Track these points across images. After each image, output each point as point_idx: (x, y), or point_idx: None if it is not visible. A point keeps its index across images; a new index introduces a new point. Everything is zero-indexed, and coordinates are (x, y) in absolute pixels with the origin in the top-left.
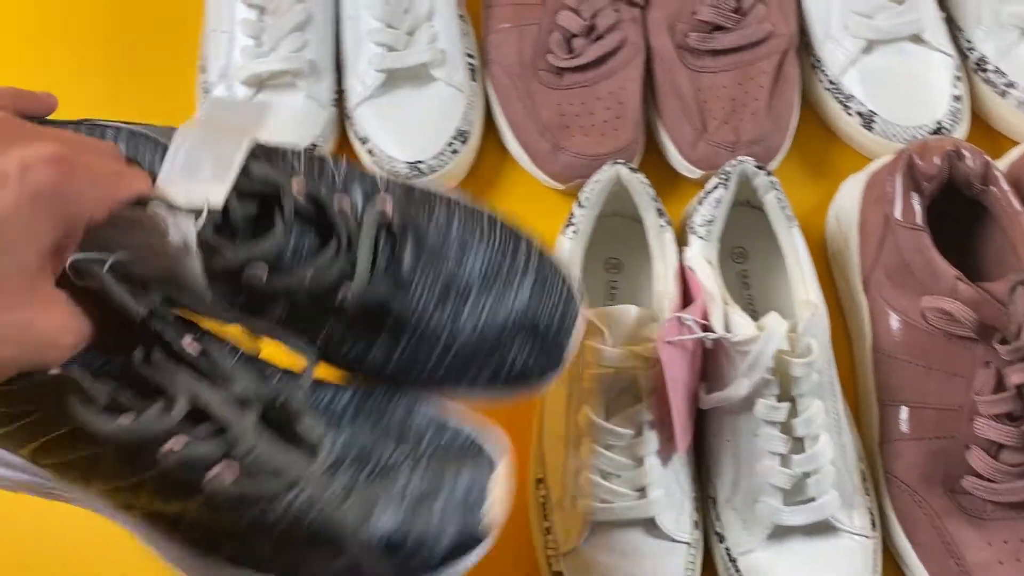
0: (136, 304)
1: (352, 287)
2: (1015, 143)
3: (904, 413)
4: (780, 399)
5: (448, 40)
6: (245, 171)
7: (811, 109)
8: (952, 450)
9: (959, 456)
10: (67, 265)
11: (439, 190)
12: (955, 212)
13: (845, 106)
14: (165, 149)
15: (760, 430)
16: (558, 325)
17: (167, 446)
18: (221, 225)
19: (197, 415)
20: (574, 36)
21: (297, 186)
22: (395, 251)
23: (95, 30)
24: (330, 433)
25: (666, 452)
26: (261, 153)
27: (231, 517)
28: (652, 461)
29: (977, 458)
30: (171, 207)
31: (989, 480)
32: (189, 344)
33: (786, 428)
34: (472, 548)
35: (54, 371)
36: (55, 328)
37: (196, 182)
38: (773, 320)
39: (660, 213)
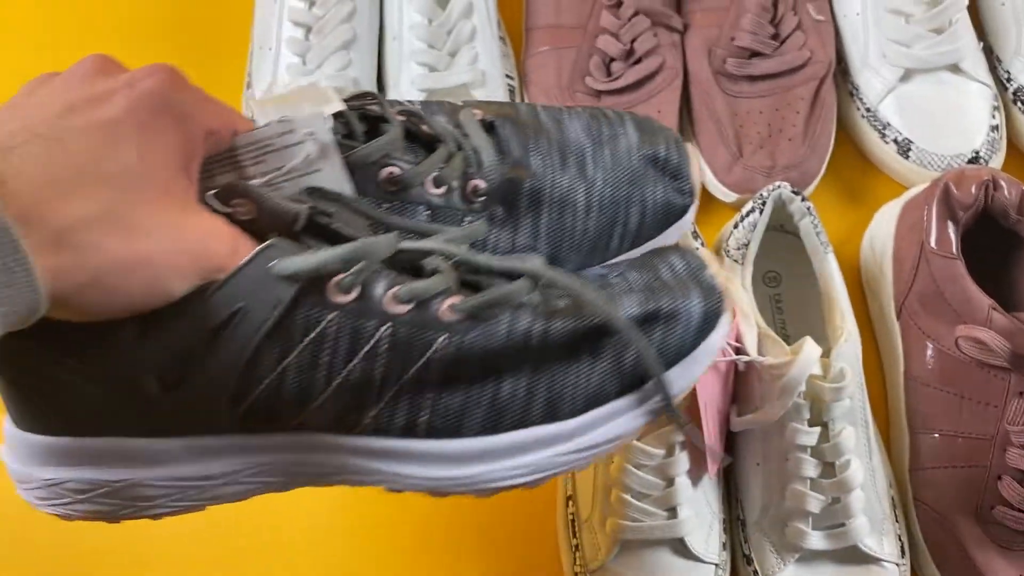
0: (293, 207)
1: (484, 170)
2: None
3: (935, 441)
4: (811, 424)
5: (488, 61)
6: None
7: (848, 136)
8: (983, 479)
9: (991, 485)
10: (209, 196)
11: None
12: (991, 241)
13: (882, 134)
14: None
15: (791, 454)
16: (674, 151)
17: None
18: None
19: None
20: (613, 60)
21: (393, 111)
22: (500, 140)
23: (143, 44)
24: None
25: (696, 473)
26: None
27: (481, 347)
28: (682, 481)
29: (1009, 488)
30: (291, 121)
31: (1021, 511)
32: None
33: (817, 453)
34: (717, 320)
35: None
36: (216, 231)
37: (302, 111)
38: (807, 345)
39: (695, 235)
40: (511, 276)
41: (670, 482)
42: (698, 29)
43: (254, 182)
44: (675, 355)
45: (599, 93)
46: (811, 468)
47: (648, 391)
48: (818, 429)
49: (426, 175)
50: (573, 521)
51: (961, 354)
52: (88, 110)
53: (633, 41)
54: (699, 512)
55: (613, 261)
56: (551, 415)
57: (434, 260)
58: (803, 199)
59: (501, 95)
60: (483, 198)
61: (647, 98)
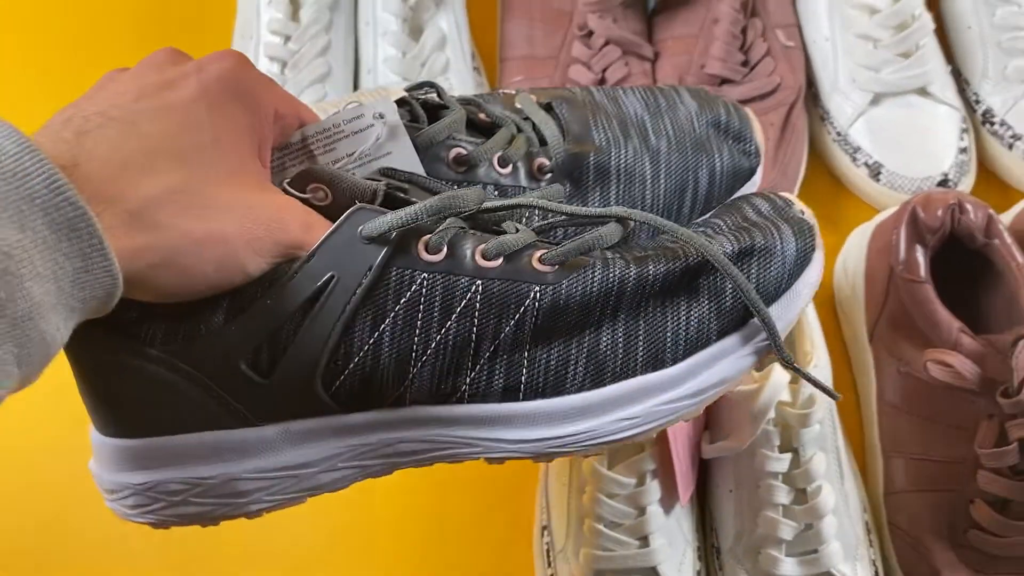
0: (371, 184)
1: (548, 148)
2: (1023, 194)
3: (908, 465)
4: (782, 450)
5: (462, 93)
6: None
7: (820, 160)
8: (957, 503)
9: (963, 509)
10: (285, 184)
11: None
12: (960, 264)
13: (853, 157)
14: None
15: (762, 481)
16: (734, 115)
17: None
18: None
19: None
20: None
21: (449, 97)
22: (559, 118)
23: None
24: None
25: (668, 501)
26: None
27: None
28: (654, 510)
29: (982, 511)
30: (360, 106)
31: (995, 534)
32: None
33: (788, 479)
34: (812, 254)
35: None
36: (291, 207)
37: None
38: (775, 372)
39: None
40: (599, 222)
41: (642, 511)
42: (669, 57)
43: (345, 160)
44: (774, 291)
45: None
46: (783, 495)
47: (751, 330)
48: (789, 455)
49: (492, 153)
50: (548, 551)
51: (931, 378)
52: (161, 93)
53: (604, 70)
54: (672, 540)
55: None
56: (654, 363)
57: (514, 225)
58: None
59: None
60: (549, 175)
61: None
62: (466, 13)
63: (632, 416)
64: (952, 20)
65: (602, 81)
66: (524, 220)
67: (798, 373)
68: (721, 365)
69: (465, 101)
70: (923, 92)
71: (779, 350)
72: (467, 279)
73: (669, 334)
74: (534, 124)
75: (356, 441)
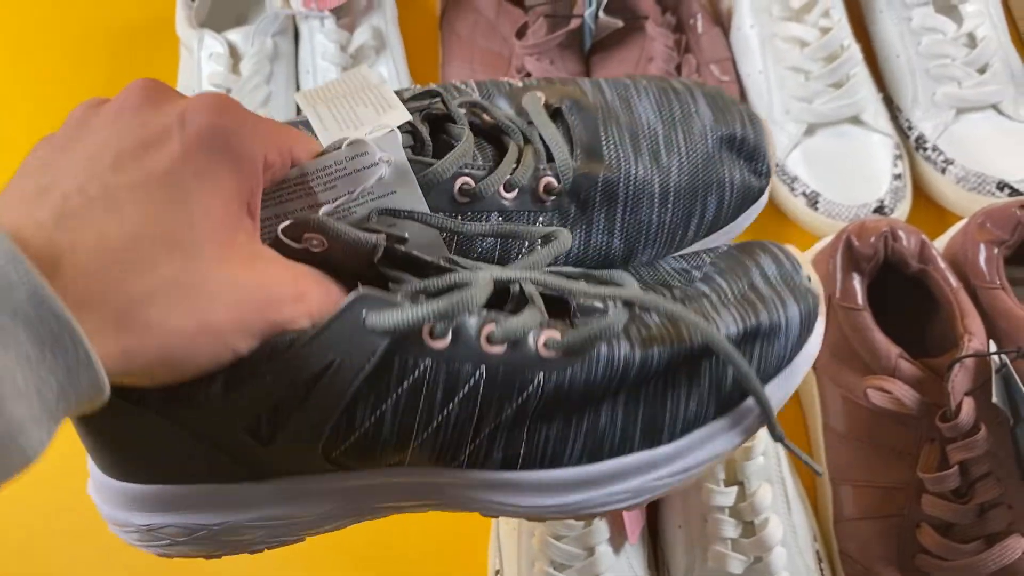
0: (371, 238)
1: (557, 167)
2: (959, 217)
3: (854, 492)
4: (727, 484)
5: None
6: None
7: None
8: (904, 528)
9: (910, 534)
10: (279, 230)
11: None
12: (898, 289)
13: (791, 187)
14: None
15: (710, 515)
16: (750, 129)
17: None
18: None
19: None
20: None
21: (454, 104)
22: (568, 127)
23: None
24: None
25: (618, 540)
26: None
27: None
28: (604, 550)
29: (928, 535)
30: (364, 144)
31: (941, 558)
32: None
33: (735, 512)
34: (814, 326)
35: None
36: (281, 279)
37: (364, 123)
38: None
39: None
40: (604, 298)
41: (591, 551)
42: None
43: (325, 208)
44: (774, 369)
45: None
46: (730, 528)
47: (746, 409)
48: (735, 489)
49: (499, 183)
50: None
51: (872, 404)
52: (141, 159)
53: None
54: None
55: (690, 249)
56: (650, 440)
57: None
58: None
59: None
60: (555, 197)
61: None
62: (406, 59)
63: (625, 490)
64: (881, 49)
65: None
66: (527, 247)
67: (788, 448)
68: (715, 442)
69: (470, 104)
70: (856, 121)
71: (772, 428)
72: (470, 365)
73: (668, 414)
74: (542, 136)
75: (354, 496)
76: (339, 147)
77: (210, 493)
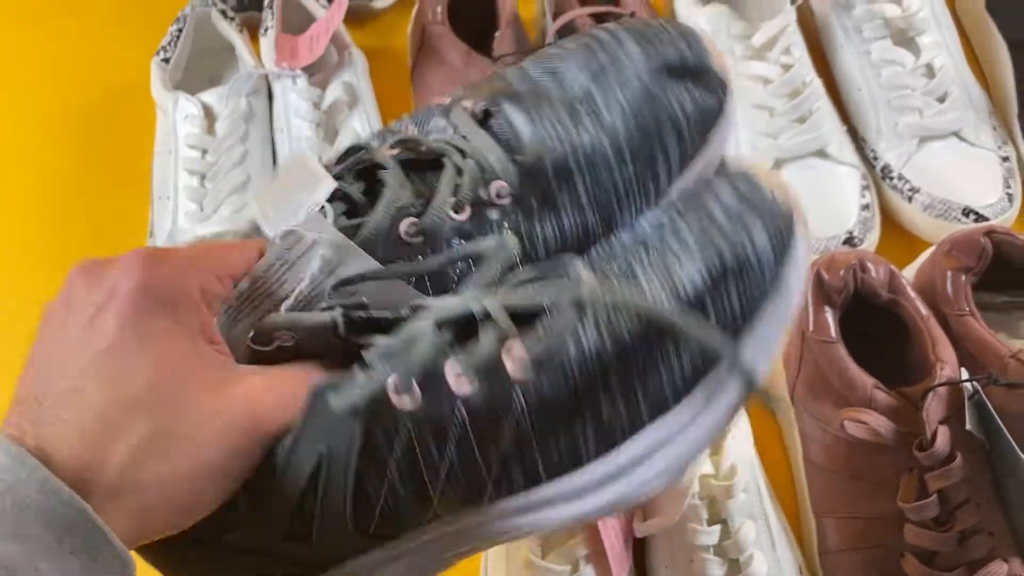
0: (325, 317)
1: (498, 172)
2: (929, 244)
3: (837, 524)
4: (710, 522)
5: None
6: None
7: None
8: (887, 559)
9: (895, 564)
10: (249, 342)
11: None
12: (871, 319)
13: None
14: None
15: (695, 555)
16: (686, 48)
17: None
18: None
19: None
20: None
21: (385, 149)
22: (502, 128)
23: (53, 204)
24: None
25: None
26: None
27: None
28: None
29: (911, 565)
30: (294, 232)
31: None
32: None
33: (719, 551)
34: (791, 236)
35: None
36: (254, 393)
37: (299, 202)
38: None
39: None
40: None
41: None
42: None
43: (285, 304)
44: (759, 299)
45: None
46: (716, 567)
47: (741, 356)
48: (718, 527)
49: (444, 209)
50: None
51: (849, 436)
52: (88, 344)
53: None
54: None
55: (668, 197)
56: (658, 409)
57: (477, 303)
58: None
59: None
60: (509, 198)
61: None
62: (378, 112)
63: (656, 471)
64: (843, 82)
65: None
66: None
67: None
68: (727, 393)
69: (402, 142)
70: (822, 154)
71: (741, 369)
72: (449, 409)
73: (664, 378)
74: (476, 144)
75: (406, 560)
76: (275, 243)
77: None
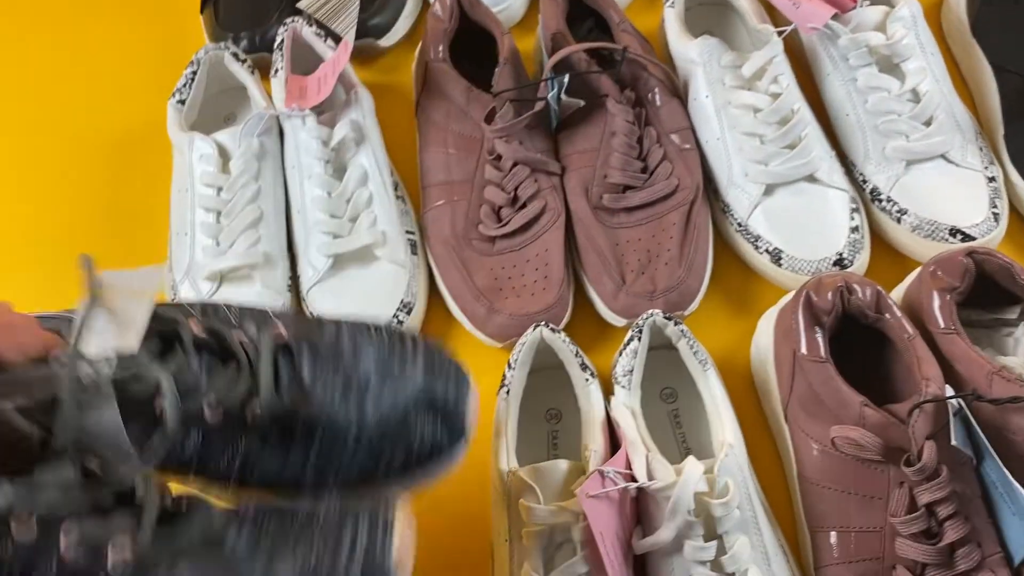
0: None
1: (260, 399)
2: (918, 264)
3: (831, 538)
4: (706, 539)
5: (387, 222)
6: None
7: (728, 248)
8: (880, 571)
9: None
10: None
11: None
12: (858, 339)
13: (755, 245)
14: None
15: (692, 571)
16: (454, 396)
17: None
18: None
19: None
20: (501, 207)
21: (195, 325)
22: (294, 364)
23: (77, 227)
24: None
25: None
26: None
27: None
28: None
29: None
30: (83, 358)
31: None
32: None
33: (716, 566)
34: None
35: None
36: None
37: (104, 336)
38: (689, 465)
39: (584, 367)
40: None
41: None
42: (575, 171)
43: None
44: None
45: (492, 239)
46: None
47: None
48: (714, 543)
49: (204, 398)
50: None
51: (841, 452)
52: None
53: (516, 188)
54: None
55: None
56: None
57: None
58: (676, 323)
59: (402, 252)
60: (259, 424)
61: (535, 239)
62: (384, 148)
63: None
64: (831, 108)
65: (515, 199)
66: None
67: None
68: None
69: (211, 331)
70: (812, 179)
71: None
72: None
73: None
74: (259, 367)
75: None
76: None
77: None
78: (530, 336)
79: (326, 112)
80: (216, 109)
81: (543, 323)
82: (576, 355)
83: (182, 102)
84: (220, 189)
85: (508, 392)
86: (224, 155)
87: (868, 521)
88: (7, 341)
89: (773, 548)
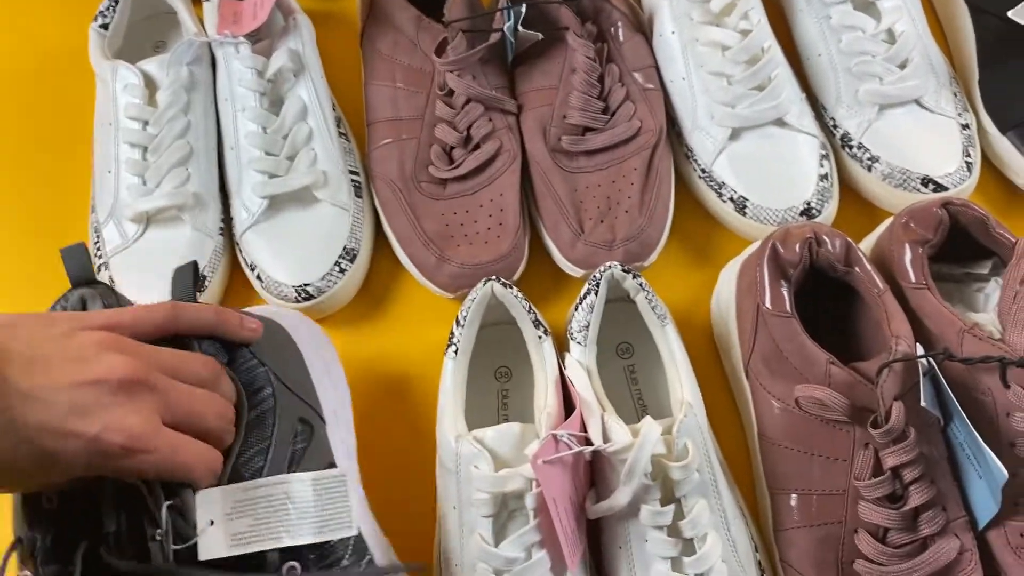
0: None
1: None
2: (889, 214)
3: (792, 500)
4: (664, 502)
5: (328, 161)
6: None
7: (691, 196)
8: (841, 535)
9: (848, 541)
10: None
11: None
12: (826, 293)
13: (719, 193)
14: None
15: (649, 535)
16: None
17: None
18: None
19: None
20: (452, 148)
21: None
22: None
23: None
24: None
25: (559, 568)
26: None
27: None
28: None
29: (865, 542)
30: None
31: (878, 563)
32: None
33: (673, 531)
34: None
35: None
36: None
37: None
38: (646, 426)
39: (537, 324)
40: None
41: None
42: (531, 110)
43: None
44: None
45: (443, 181)
46: (670, 547)
47: None
48: (672, 507)
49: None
50: None
51: (804, 412)
52: None
53: (469, 128)
54: None
55: None
56: None
57: None
58: (634, 276)
59: (345, 193)
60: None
61: (489, 182)
62: (325, 81)
63: None
64: (803, 48)
65: (468, 139)
66: None
67: None
68: None
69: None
70: (780, 123)
71: None
72: None
73: None
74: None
75: None
76: None
77: None
78: (480, 291)
79: (262, 40)
80: (144, 36)
81: (494, 277)
82: (529, 311)
83: (105, 27)
84: (146, 123)
85: (456, 352)
86: (151, 86)
87: (830, 484)
88: None
89: (732, 511)
